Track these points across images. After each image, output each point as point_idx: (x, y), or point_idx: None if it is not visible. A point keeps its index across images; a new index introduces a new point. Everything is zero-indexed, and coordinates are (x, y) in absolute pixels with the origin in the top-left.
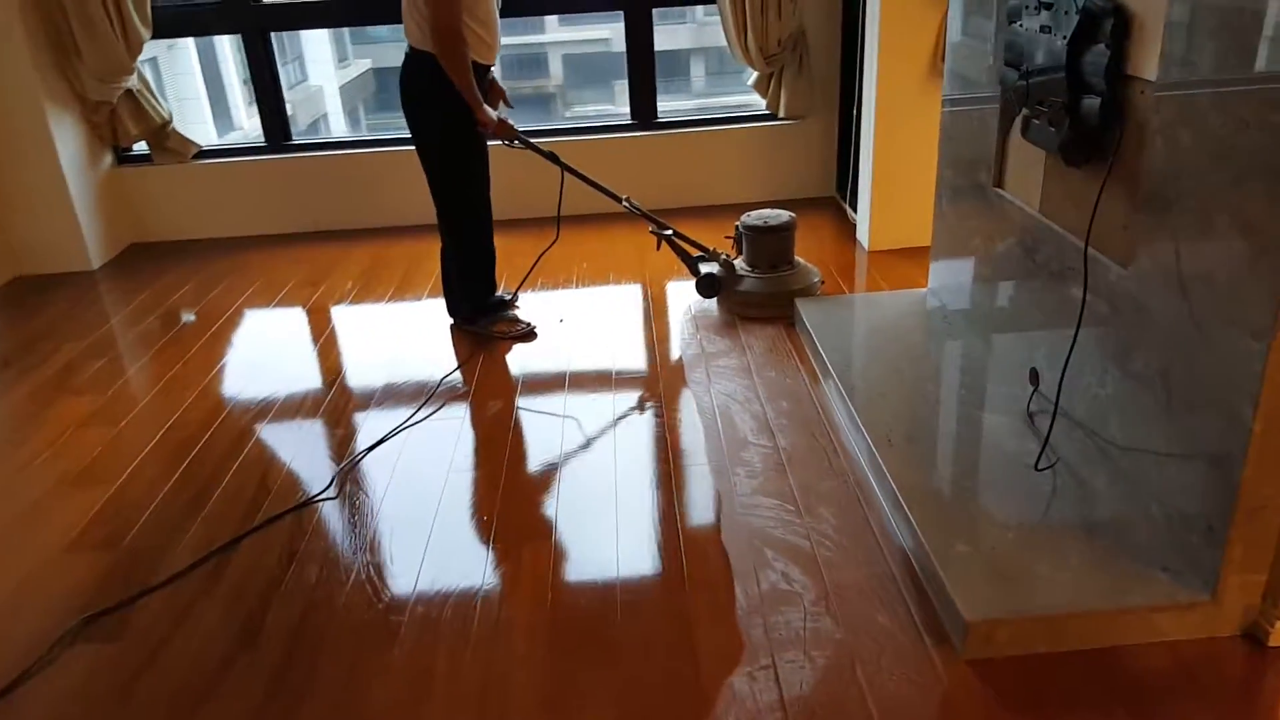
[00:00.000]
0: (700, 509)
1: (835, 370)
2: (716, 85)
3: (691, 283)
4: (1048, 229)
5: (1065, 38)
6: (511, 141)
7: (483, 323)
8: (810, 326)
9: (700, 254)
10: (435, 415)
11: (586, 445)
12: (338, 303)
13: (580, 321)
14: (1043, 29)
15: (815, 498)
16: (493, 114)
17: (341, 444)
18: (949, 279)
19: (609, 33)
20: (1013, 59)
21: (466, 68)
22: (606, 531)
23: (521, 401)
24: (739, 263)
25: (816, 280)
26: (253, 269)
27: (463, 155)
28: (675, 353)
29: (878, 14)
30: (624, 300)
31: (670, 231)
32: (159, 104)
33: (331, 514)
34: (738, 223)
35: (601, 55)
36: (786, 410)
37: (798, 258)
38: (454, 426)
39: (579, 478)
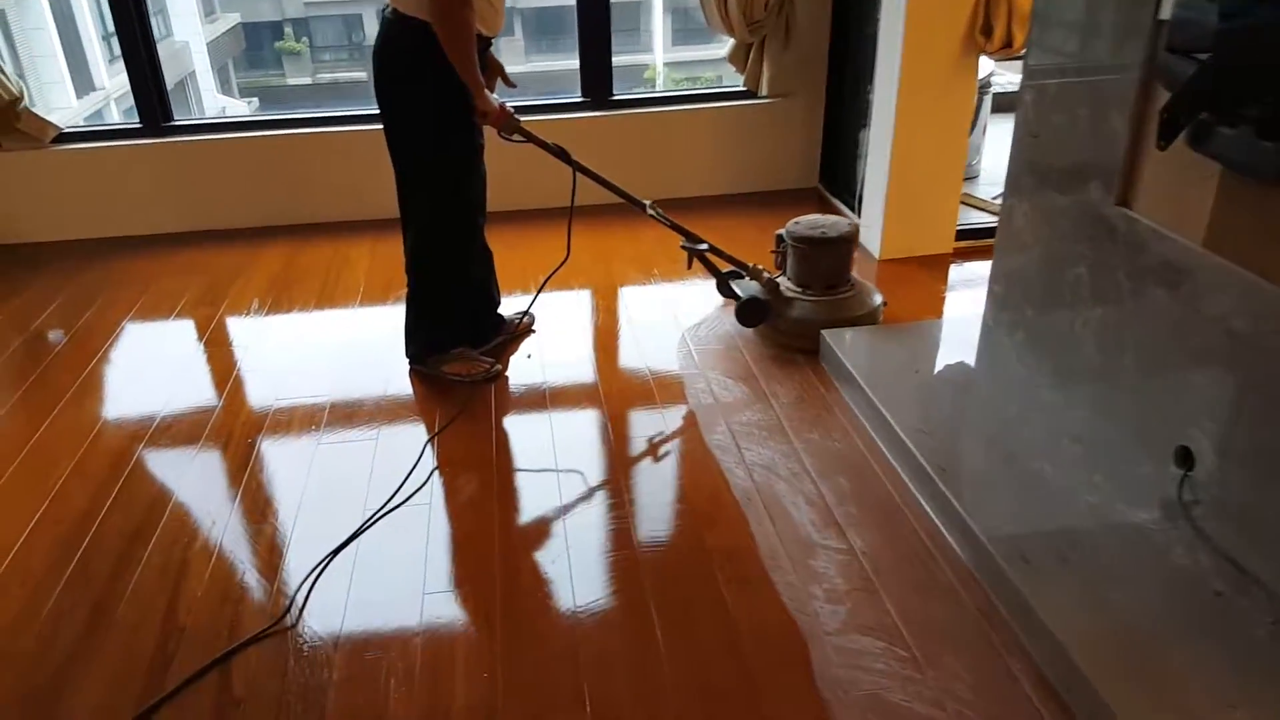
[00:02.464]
0: (781, 661)
1: (908, 438)
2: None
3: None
4: (1222, 271)
5: None
6: (511, 135)
7: (431, 361)
8: (853, 370)
9: (732, 270)
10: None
11: (601, 558)
12: (244, 317)
13: (553, 352)
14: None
15: (931, 635)
16: (495, 99)
17: (271, 545)
18: (1027, 315)
19: None
20: (1186, 42)
21: (470, 42)
22: (650, 701)
23: (503, 484)
24: (784, 283)
25: (880, 303)
26: (135, 279)
27: (455, 151)
28: (683, 404)
29: None
30: (598, 319)
31: (705, 246)
32: (5, 78)
33: (275, 661)
34: (781, 232)
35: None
36: (849, 491)
37: (854, 274)
38: (420, 521)
39: (601, 614)
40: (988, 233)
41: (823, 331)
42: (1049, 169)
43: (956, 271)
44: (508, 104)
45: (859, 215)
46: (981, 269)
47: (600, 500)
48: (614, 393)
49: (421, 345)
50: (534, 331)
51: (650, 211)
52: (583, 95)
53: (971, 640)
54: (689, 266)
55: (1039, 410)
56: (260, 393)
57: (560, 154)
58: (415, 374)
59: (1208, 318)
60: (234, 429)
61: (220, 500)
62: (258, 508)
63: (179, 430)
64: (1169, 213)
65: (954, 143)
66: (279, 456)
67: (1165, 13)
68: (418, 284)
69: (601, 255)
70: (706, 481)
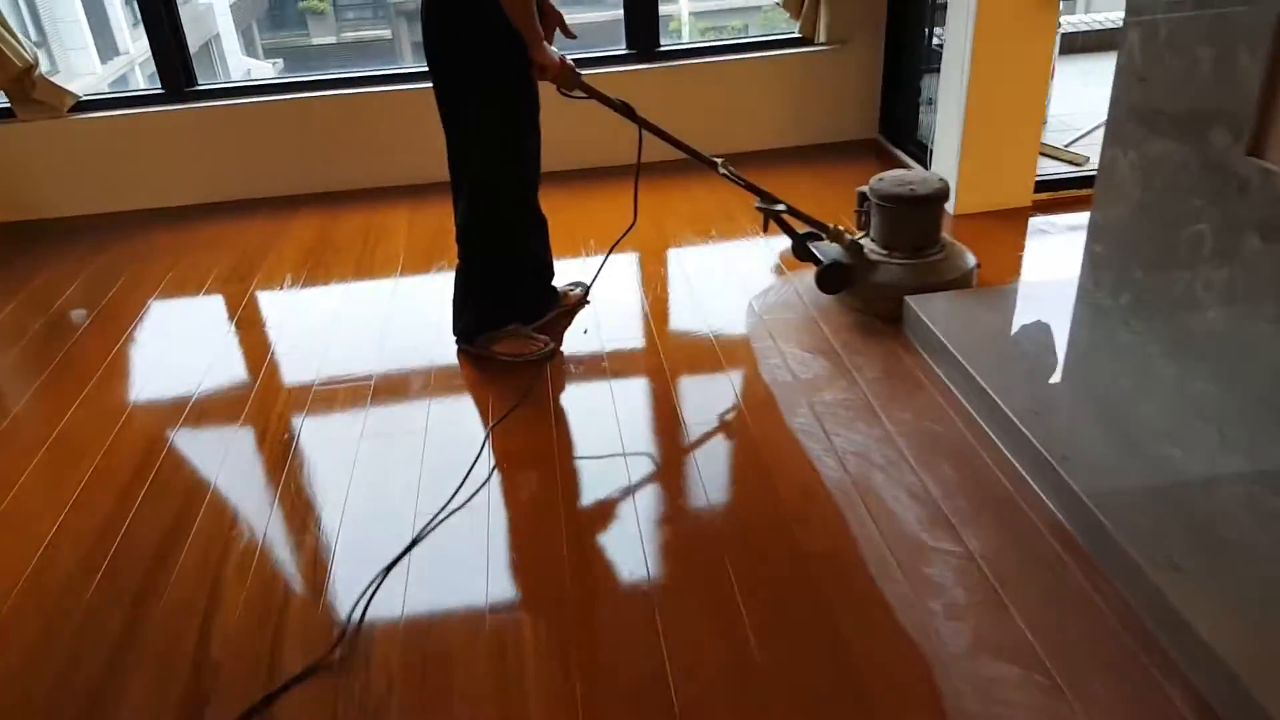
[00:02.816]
0: (904, 695)
1: (1020, 419)
2: None
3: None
4: None
5: None
6: (571, 90)
7: (480, 340)
8: (946, 340)
9: (810, 231)
10: (451, 506)
11: (683, 567)
12: (278, 292)
13: (611, 325)
14: None
15: (1072, 657)
16: (554, 52)
17: (314, 559)
18: (1135, 276)
19: None
20: None
21: None
22: None
23: (565, 476)
24: (868, 244)
25: (973, 266)
26: (160, 254)
27: (513, 113)
28: (757, 379)
29: None
30: (656, 286)
31: (784, 207)
32: (18, 43)
33: (321, 704)
34: (863, 188)
35: None
36: (956, 483)
37: (945, 235)
38: (480, 526)
39: (689, 638)
40: (1067, 183)
41: (906, 298)
42: (1160, 116)
43: (1038, 225)
44: (568, 57)
45: (929, 168)
46: (1066, 221)
47: (676, 495)
48: (679, 368)
49: (471, 322)
50: (588, 303)
51: (722, 170)
52: (627, 48)
53: (1119, 662)
54: (764, 229)
55: (1156, 384)
56: (297, 376)
57: (626, 110)
58: (464, 354)
59: None
60: (270, 418)
61: (257, 502)
62: (298, 513)
63: (212, 418)
64: None
65: (1033, 90)
66: (319, 450)
67: None
68: (468, 257)
69: (656, 216)
70: (794, 472)
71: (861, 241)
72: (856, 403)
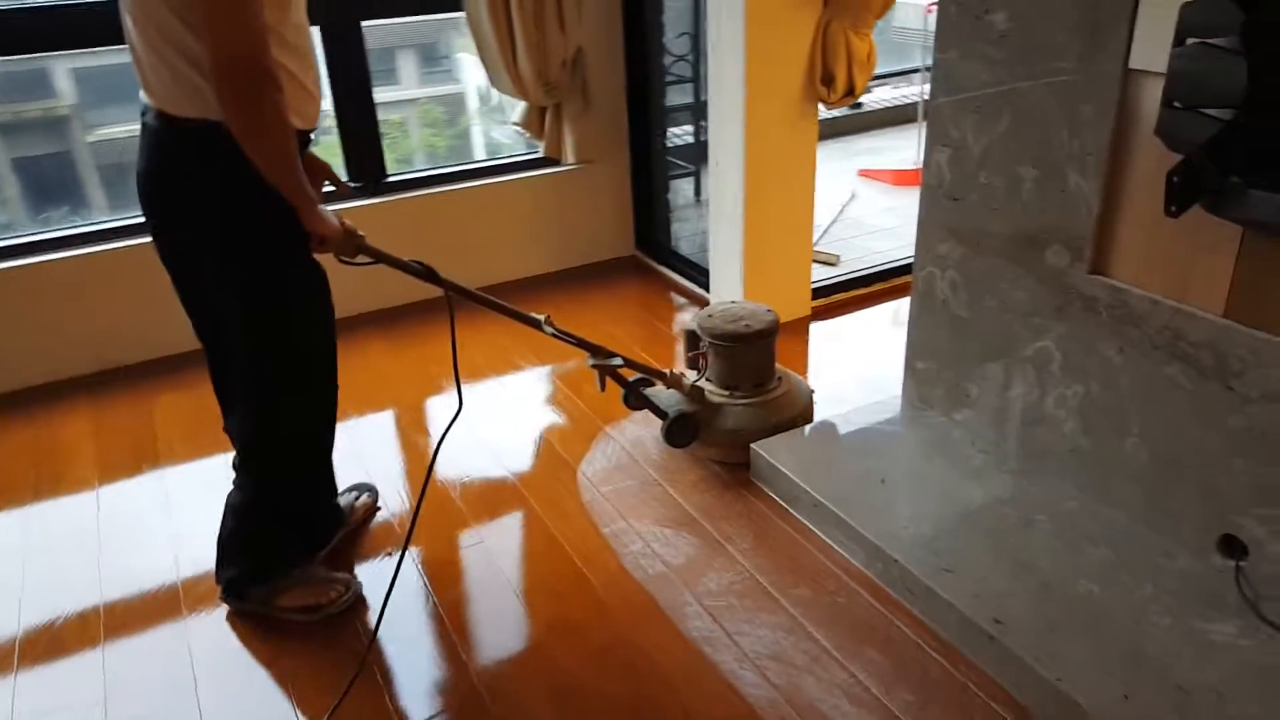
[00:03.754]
0: None
1: (934, 583)
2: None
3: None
4: (1251, 341)
5: None
6: (354, 257)
7: (257, 595)
8: (818, 494)
9: (640, 378)
10: None
11: None
12: None
13: (431, 538)
14: None
15: None
16: (332, 218)
17: None
18: (970, 393)
19: None
20: (1195, 94)
21: (290, 139)
22: None
23: None
24: (708, 386)
25: (812, 394)
26: None
27: (294, 295)
28: (625, 578)
29: (740, 13)
30: (463, 470)
31: (620, 361)
32: None
33: None
34: (690, 328)
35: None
36: (887, 669)
37: (779, 366)
38: None
39: None
40: (834, 288)
41: (753, 446)
42: (982, 234)
43: (821, 334)
44: (345, 219)
45: (708, 287)
46: (845, 327)
47: None
48: (535, 587)
49: (253, 569)
50: (379, 509)
51: (549, 329)
52: (351, 181)
53: None
54: (601, 388)
55: (1031, 507)
56: None
57: (426, 274)
58: (237, 614)
59: (1254, 396)
60: None
61: None
62: None
63: None
64: (1168, 281)
65: (802, 199)
66: None
67: (1138, 61)
68: (261, 485)
69: (417, 370)
70: (715, 702)
71: (700, 385)
72: (746, 586)
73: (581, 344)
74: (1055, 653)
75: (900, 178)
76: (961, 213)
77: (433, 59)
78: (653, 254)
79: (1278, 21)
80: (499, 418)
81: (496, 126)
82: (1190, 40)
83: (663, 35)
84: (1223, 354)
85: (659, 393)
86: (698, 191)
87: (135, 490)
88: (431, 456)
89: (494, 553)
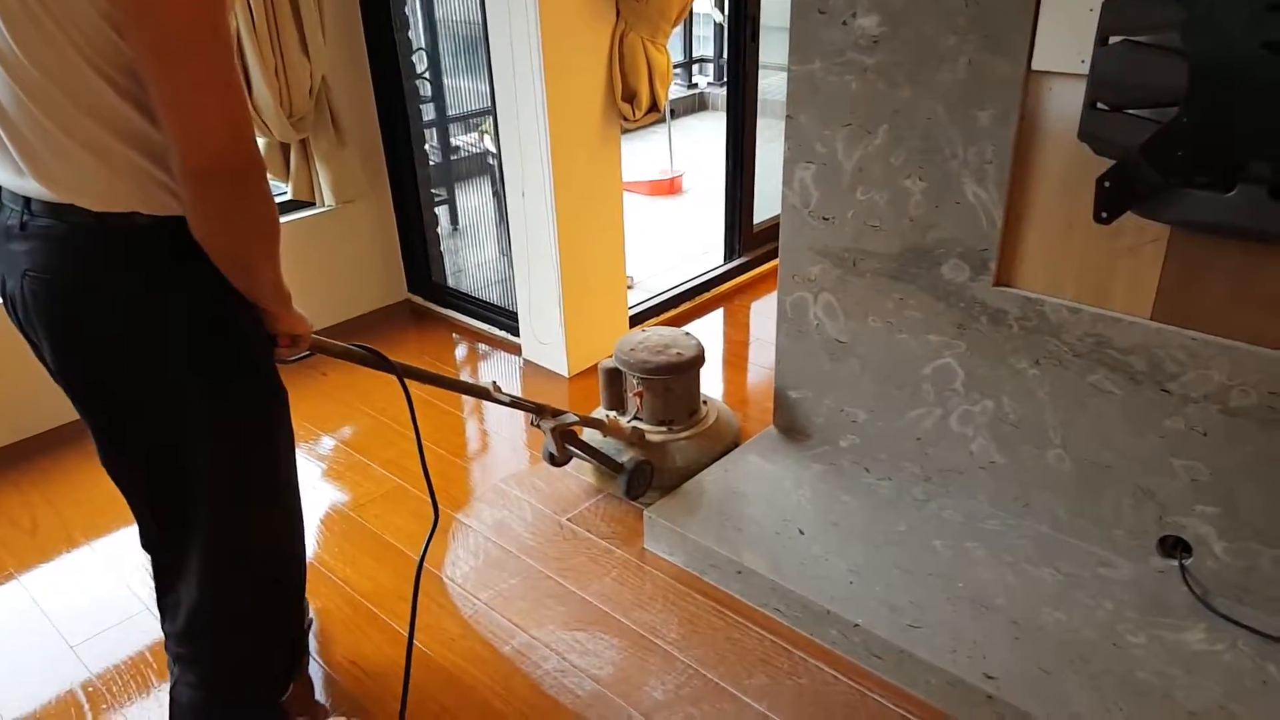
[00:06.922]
0: None
1: (904, 644)
2: None
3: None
4: (1188, 343)
5: None
6: (310, 353)
7: None
8: (740, 559)
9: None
10: None
11: None
12: None
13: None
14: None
15: None
16: (305, 315)
17: None
18: (858, 420)
19: None
20: (1124, 95)
21: (278, 233)
22: None
23: None
24: (644, 426)
25: (737, 422)
26: None
27: (262, 400)
28: (543, 699)
29: (535, 32)
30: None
31: (575, 419)
32: None
33: None
34: (609, 365)
35: None
36: None
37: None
38: None
39: None
40: (645, 315)
41: (646, 512)
42: (861, 254)
43: None
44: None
45: (517, 331)
46: None
47: None
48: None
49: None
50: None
51: (501, 395)
52: None
53: None
54: (557, 457)
55: (957, 533)
56: None
57: (375, 360)
58: None
59: (1195, 397)
60: None
61: None
62: None
63: None
64: (1086, 288)
65: (613, 225)
66: None
67: (1043, 63)
68: (261, 606)
69: None
70: None
71: (638, 425)
72: (697, 688)
73: (526, 406)
74: (1059, 698)
75: (656, 188)
76: (834, 232)
77: None
78: (430, 295)
79: (1217, 17)
80: (315, 517)
81: None
82: (1114, 39)
83: (411, 52)
84: (1157, 358)
85: (602, 443)
86: (454, 219)
87: None
88: (417, 574)
89: (378, 712)
